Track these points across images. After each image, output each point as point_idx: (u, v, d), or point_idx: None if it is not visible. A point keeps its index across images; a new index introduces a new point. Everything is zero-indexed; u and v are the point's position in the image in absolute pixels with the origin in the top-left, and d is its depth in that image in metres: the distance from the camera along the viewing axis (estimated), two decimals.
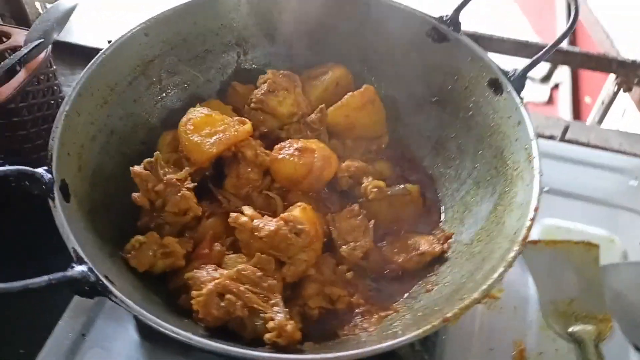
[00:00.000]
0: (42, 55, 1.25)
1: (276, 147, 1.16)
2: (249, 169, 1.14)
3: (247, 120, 1.17)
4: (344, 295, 1.07)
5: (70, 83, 1.65)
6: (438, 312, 0.94)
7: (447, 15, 1.23)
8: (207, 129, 1.12)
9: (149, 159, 1.08)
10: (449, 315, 0.87)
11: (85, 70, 1.09)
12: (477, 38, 1.67)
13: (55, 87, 1.34)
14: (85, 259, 0.84)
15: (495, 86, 1.16)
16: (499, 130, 1.15)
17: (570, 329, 1.19)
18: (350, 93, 1.26)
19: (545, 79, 3.50)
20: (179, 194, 1.05)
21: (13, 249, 1.26)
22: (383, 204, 1.17)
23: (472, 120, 1.22)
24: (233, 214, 1.03)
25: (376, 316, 1.06)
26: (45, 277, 0.78)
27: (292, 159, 1.12)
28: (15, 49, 1.34)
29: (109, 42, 1.63)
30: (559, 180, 1.46)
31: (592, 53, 1.69)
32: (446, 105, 1.28)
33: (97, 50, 1.74)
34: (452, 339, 1.17)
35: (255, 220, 1.03)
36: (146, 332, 1.13)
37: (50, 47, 1.27)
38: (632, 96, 1.92)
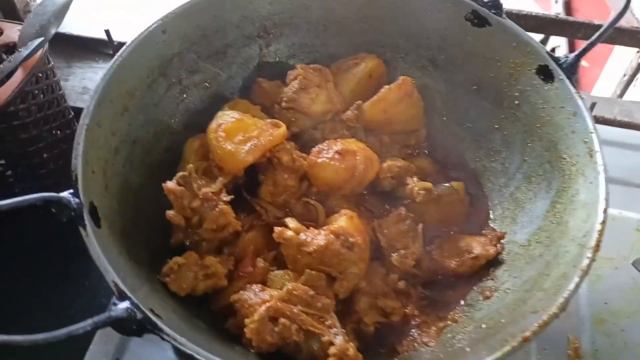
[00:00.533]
0: (39, 53, 1.16)
1: (314, 150, 1.07)
2: (286, 175, 1.05)
3: (281, 122, 1.08)
4: (398, 307, 1.00)
5: (67, 77, 1.59)
6: (507, 326, 0.88)
7: None
8: (240, 135, 1.03)
9: (182, 173, 0.99)
10: (527, 334, 0.80)
11: (102, 76, 0.99)
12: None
13: (54, 85, 1.26)
14: (129, 294, 0.76)
15: (545, 74, 1.07)
16: (551, 122, 1.06)
17: None
18: (387, 86, 1.17)
19: (542, 43, 3.40)
20: (217, 209, 0.97)
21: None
22: (430, 205, 1.10)
23: (518, 110, 1.14)
24: (277, 228, 0.95)
25: (434, 328, 0.99)
26: (89, 321, 0.71)
27: (333, 162, 1.04)
28: (8, 46, 1.24)
29: (107, 31, 1.55)
30: None
31: (625, 27, 1.59)
32: (488, 93, 1.19)
33: (93, 40, 1.68)
34: None
35: (301, 234, 0.95)
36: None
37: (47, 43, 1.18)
38: None
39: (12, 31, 1.24)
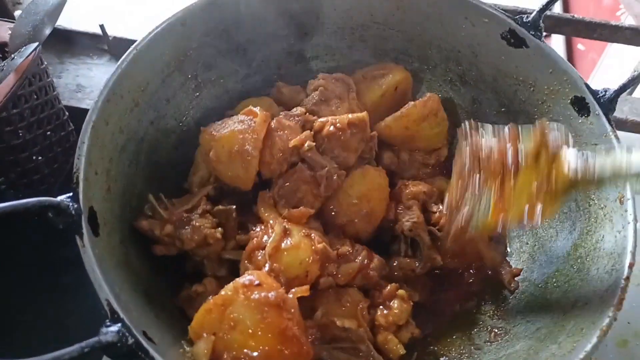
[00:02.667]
0: (31, 54, 1.08)
1: None
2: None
3: None
4: None
5: (60, 74, 1.49)
6: None
7: (527, 17, 1.07)
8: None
9: (147, 205, 0.96)
10: None
11: (114, 69, 0.93)
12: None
13: (47, 86, 1.18)
14: (121, 315, 0.72)
15: (580, 106, 1.01)
16: None
17: None
18: (412, 103, 1.11)
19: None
20: (188, 227, 0.94)
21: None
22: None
23: None
24: None
25: None
26: (77, 346, 0.67)
27: None
28: None
29: (101, 25, 1.48)
30: None
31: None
32: (517, 117, 1.13)
33: (87, 35, 1.60)
34: None
35: None
36: None
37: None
38: None
39: (2, 29, 1.17)
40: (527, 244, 1.09)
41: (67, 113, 1.26)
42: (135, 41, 1.42)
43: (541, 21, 1.07)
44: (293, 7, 1.15)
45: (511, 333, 0.96)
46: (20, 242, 1.17)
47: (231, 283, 0.83)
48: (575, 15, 1.45)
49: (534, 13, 1.07)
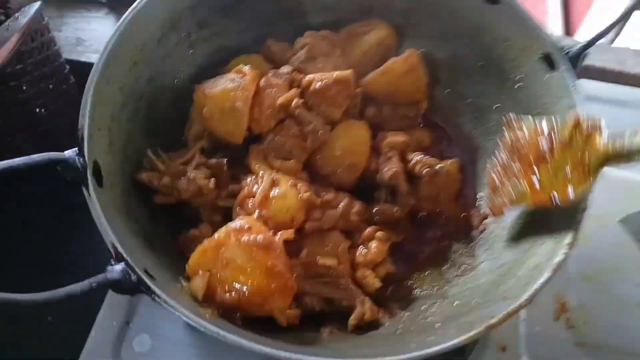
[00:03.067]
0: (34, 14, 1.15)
1: None
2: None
3: None
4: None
5: (60, 27, 1.55)
6: (477, 308, 0.94)
7: None
8: None
9: (146, 158, 1.06)
10: (493, 322, 0.85)
11: (114, 31, 1.00)
12: None
13: (49, 42, 1.24)
14: (125, 255, 0.82)
15: (549, 62, 1.08)
16: (549, 111, 1.07)
17: None
18: (394, 59, 1.18)
19: None
20: (183, 178, 1.03)
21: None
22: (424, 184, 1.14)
23: (519, 93, 1.15)
24: None
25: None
26: (86, 282, 0.77)
27: None
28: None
29: None
30: None
31: None
32: (492, 72, 1.20)
33: None
34: None
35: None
36: None
37: None
38: None
39: None
40: None
41: (68, 67, 1.33)
42: None
43: None
44: None
45: (477, 269, 1.06)
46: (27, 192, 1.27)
47: (224, 227, 0.93)
48: None
49: None
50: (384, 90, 1.19)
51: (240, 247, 0.91)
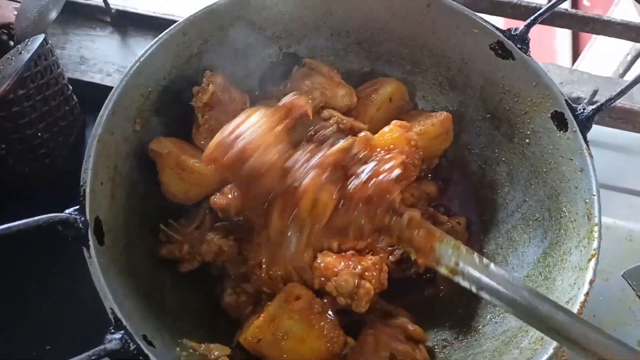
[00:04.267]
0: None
1: None
2: None
3: None
4: None
5: (64, 45, 1.53)
6: None
7: (515, 30, 1.11)
8: None
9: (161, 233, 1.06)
10: None
11: (119, 82, 0.99)
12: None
13: (53, 65, 1.22)
14: (124, 322, 0.81)
15: (559, 121, 1.07)
16: (557, 170, 1.07)
17: None
18: (431, 121, 1.19)
19: None
20: (202, 242, 1.04)
21: None
22: None
23: (528, 149, 1.14)
24: None
25: None
26: (84, 355, 0.75)
27: None
28: (4, 26, 1.22)
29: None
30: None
31: (633, 23, 1.46)
32: (501, 124, 1.19)
33: (89, 7, 1.59)
34: None
35: None
36: None
37: None
38: None
39: (8, 10, 1.21)
40: (502, 247, 1.16)
41: (70, 87, 1.31)
42: (136, 14, 1.48)
43: (528, 35, 1.11)
44: (289, 13, 1.20)
45: (480, 332, 1.05)
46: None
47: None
48: (569, 9, 1.49)
49: (522, 27, 1.11)
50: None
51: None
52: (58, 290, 1.18)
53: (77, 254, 0.85)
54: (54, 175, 1.26)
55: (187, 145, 1.11)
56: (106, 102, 0.97)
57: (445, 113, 1.20)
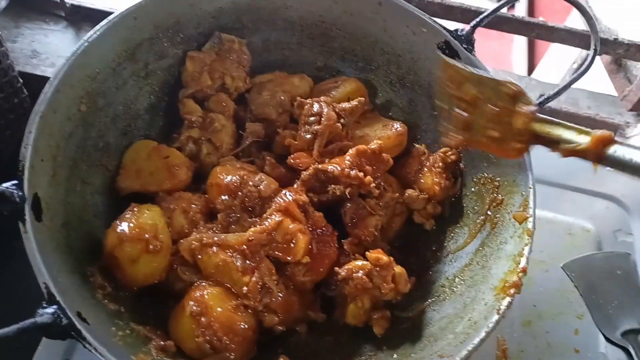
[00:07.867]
0: None
1: None
2: None
3: None
4: None
5: (15, 38, 1.51)
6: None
7: (462, 30, 1.15)
8: None
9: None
10: None
11: (64, 61, 0.98)
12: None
13: (1, 55, 1.18)
14: (57, 297, 0.80)
15: None
16: (498, 164, 1.11)
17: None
18: (387, 134, 1.21)
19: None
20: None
21: None
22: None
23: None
24: None
25: None
26: (13, 327, 0.74)
27: None
28: None
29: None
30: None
31: (576, 30, 1.52)
32: None
33: (43, 0, 1.60)
34: None
35: None
36: None
37: None
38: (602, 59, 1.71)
39: None
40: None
41: (21, 80, 1.28)
42: (91, 9, 1.46)
43: (473, 36, 1.15)
44: (245, 3, 1.21)
45: (417, 320, 1.06)
46: None
47: None
48: (515, 15, 1.55)
49: (468, 28, 1.15)
50: None
51: None
52: None
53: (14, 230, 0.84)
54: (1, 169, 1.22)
55: None
56: (51, 79, 0.96)
57: (400, 126, 1.23)
